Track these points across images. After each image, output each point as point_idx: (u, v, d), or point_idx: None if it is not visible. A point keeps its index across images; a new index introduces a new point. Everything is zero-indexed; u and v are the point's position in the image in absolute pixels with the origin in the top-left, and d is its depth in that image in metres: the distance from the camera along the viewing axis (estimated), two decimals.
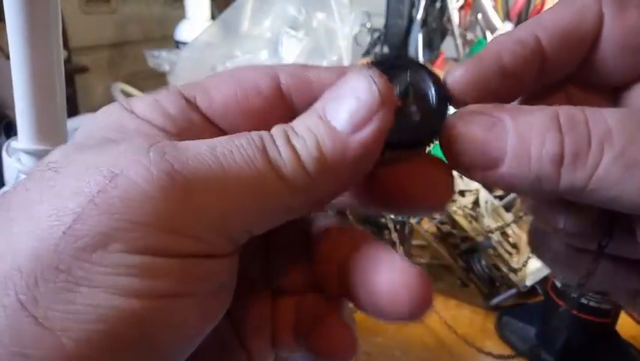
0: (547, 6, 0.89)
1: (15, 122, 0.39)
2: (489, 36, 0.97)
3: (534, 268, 0.61)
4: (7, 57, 0.37)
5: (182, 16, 1.21)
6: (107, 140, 0.18)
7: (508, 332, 0.57)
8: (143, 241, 0.15)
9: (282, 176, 0.16)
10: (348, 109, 0.17)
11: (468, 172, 0.19)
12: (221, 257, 0.17)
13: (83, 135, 0.19)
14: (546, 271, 0.60)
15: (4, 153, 0.47)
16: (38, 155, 0.39)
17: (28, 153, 0.39)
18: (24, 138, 0.39)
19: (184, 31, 1.18)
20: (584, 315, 0.50)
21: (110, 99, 1.14)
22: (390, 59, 0.20)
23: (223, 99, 0.20)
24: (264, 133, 0.17)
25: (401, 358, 0.70)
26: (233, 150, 0.16)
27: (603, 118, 0.18)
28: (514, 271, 0.60)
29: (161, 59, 1.06)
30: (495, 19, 0.95)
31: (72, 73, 1.17)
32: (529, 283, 0.60)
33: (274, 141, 0.17)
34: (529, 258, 0.59)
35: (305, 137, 0.17)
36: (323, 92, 0.19)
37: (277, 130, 0.17)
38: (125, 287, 0.15)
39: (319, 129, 0.17)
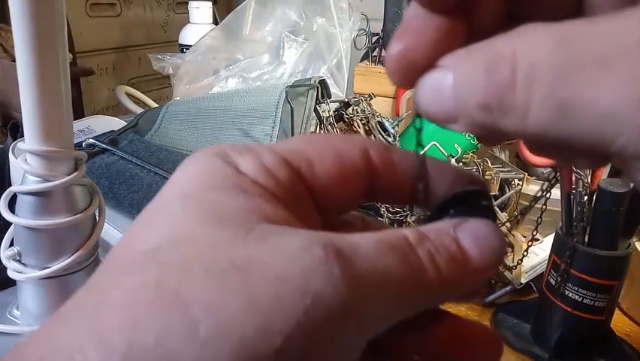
0: None
1: (21, 123, 0.39)
2: None
3: (529, 267, 0.62)
4: (13, 59, 0.38)
5: (185, 20, 1.22)
6: (246, 212, 0.17)
7: (503, 328, 0.57)
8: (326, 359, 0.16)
9: (424, 290, 0.18)
10: (481, 250, 0.19)
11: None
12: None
13: (206, 205, 0.18)
14: (541, 269, 0.60)
15: (10, 154, 0.48)
16: (44, 156, 0.40)
17: (34, 154, 0.40)
18: (30, 139, 0.39)
19: (188, 36, 1.19)
20: (578, 312, 0.51)
21: (114, 102, 1.16)
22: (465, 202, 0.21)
23: (326, 174, 0.20)
24: (411, 255, 0.18)
25: None
26: (389, 265, 0.17)
27: (533, 46, 0.15)
28: (510, 269, 0.61)
29: (165, 62, 1.07)
30: None
31: (77, 76, 1.19)
32: (524, 280, 0.61)
33: (419, 257, 0.18)
34: (524, 256, 0.60)
35: (446, 258, 0.18)
36: (403, 175, 0.22)
37: (422, 249, 0.18)
38: None
39: (458, 256, 0.19)
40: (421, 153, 0.22)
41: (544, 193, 0.56)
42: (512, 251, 0.64)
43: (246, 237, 0.16)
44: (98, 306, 0.15)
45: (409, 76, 0.18)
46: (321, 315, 0.15)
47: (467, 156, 0.75)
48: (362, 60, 1.10)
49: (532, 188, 0.72)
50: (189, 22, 1.21)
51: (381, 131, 0.76)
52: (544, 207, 0.57)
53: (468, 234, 0.19)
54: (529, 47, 0.15)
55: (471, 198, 0.21)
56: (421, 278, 0.18)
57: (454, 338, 0.20)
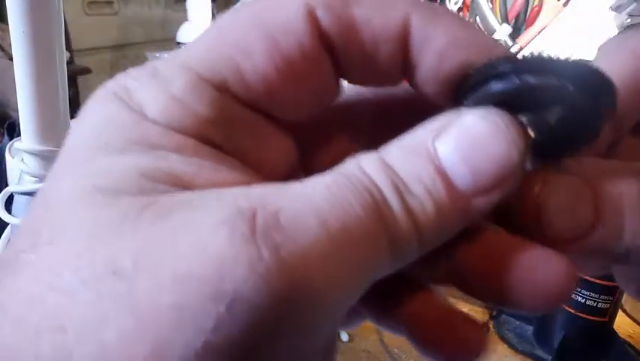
0: (544, 9, 0.89)
1: (18, 123, 0.39)
2: None
3: None
4: (10, 58, 0.37)
5: (184, 18, 1.22)
6: (145, 180, 0.13)
7: (506, 330, 0.57)
8: None
9: (399, 250, 0.13)
10: (473, 166, 0.13)
11: (553, 244, 0.15)
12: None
13: (96, 175, 0.13)
14: None
15: (7, 154, 0.48)
16: (41, 155, 0.40)
17: (31, 153, 0.39)
18: (27, 138, 0.39)
19: (186, 33, 1.19)
20: (581, 314, 0.51)
21: None
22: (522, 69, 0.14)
23: (262, 75, 0.15)
24: (375, 191, 0.13)
25: (401, 356, 0.70)
26: (346, 220, 0.12)
27: None
28: None
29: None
30: (493, 21, 0.95)
31: (74, 74, 1.18)
32: None
33: (387, 201, 0.13)
34: None
35: (422, 198, 0.13)
36: (373, 42, 0.15)
37: (389, 189, 0.13)
38: None
39: (438, 188, 0.13)
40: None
41: None
42: None
43: (140, 217, 0.12)
44: None
45: None
46: (241, 326, 0.11)
47: None
48: None
49: None
50: (188, 19, 1.20)
51: None
52: None
53: (452, 144, 0.13)
54: None
55: (483, 78, 0.14)
56: (393, 236, 0.13)
57: (492, 257, 0.15)
